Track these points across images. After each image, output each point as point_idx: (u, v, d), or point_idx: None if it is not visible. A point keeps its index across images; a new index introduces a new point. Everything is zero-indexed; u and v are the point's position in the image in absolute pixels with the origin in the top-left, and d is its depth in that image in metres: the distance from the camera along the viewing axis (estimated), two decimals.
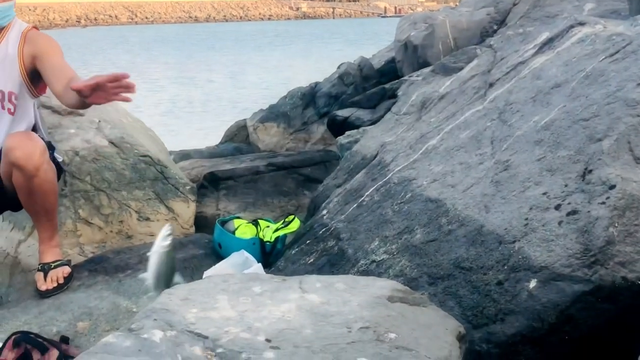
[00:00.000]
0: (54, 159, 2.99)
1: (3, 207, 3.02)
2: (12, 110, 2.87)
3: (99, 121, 4.44)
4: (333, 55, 29.76)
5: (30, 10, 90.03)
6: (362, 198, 2.96)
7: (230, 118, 10.76)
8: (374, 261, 2.50)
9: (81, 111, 4.52)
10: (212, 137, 8.70)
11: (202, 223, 4.63)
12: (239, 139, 8.12)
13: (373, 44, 36.88)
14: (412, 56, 6.77)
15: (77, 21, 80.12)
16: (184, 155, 6.75)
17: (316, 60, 28.71)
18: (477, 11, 7.11)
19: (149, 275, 2.49)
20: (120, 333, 1.55)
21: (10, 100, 2.86)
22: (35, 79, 2.88)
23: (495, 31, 6.62)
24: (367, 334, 1.63)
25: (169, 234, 2.45)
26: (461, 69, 3.65)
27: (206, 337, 1.58)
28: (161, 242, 2.48)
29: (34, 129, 2.99)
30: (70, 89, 2.51)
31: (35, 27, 2.93)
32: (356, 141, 4.08)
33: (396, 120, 3.55)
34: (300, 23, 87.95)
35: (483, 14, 6.99)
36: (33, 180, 2.73)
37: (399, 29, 7.63)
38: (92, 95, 2.31)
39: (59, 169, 3.10)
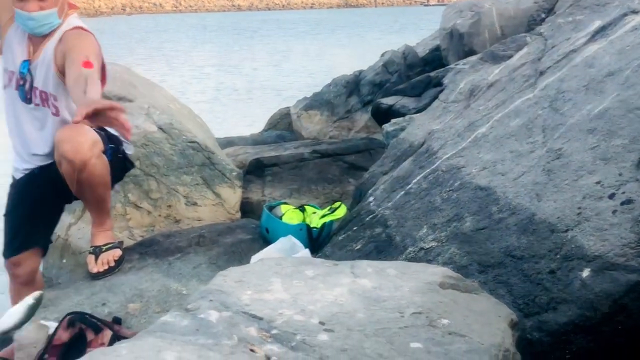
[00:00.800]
0: (120, 155, 3.04)
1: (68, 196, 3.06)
2: (55, 112, 2.91)
3: (149, 107, 4.50)
4: (375, 43, 29.62)
5: None
6: (410, 185, 2.95)
7: (274, 106, 10.81)
8: (422, 248, 2.49)
9: (130, 97, 4.59)
10: (256, 124, 8.74)
11: (247, 209, 4.67)
12: (281, 126, 8.14)
13: (415, 32, 36.63)
14: (458, 44, 6.71)
15: (122, 9, 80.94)
16: (228, 142, 6.80)
17: (358, 48, 28.61)
18: None
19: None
20: (177, 312, 1.57)
21: (52, 102, 2.90)
22: None
23: (543, 19, 6.51)
24: (419, 319, 1.64)
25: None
26: (510, 56, 3.60)
27: (261, 319, 1.59)
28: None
29: None
30: (74, 95, 2.56)
31: (81, 28, 2.89)
32: (402, 129, 4.06)
33: (444, 108, 3.53)
34: (343, 11, 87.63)
35: (530, 1, 6.88)
36: (81, 173, 2.77)
37: (444, 17, 7.56)
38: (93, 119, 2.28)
39: (125, 164, 3.15)
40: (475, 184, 2.59)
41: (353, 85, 7.43)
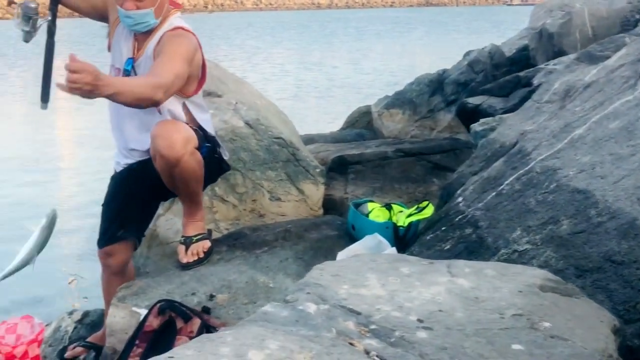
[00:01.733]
0: (216, 155, 3.08)
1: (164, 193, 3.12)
2: (158, 110, 2.94)
3: (236, 103, 4.57)
4: (456, 42, 29.29)
5: None
6: (502, 187, 2.90)
7: (354, 103, 10.82)
8: (515, 251, 2.45)
9: (219, 92, 4.67)
10: (336, 122, 8.77)
11: (330, 205, 4.69)
12: (360, 124, 8.13)
13: (497, 32, 36.04)
14: (547, 44, 6.57)
15: (204, 6, 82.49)
16: (309, 139, 6.84)
17: (439, 47, 28.34)
18: None
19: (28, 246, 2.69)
20: (277, 303, 1.60)
21: None
22: None
23: (637, 20, 6.32)
24: (520, 321, 1.61)
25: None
26: (608, 57, 3.50)
27: (359, 313, 1.60)
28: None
29: None
30: None
31: (181, 28, 2.92)
32: (492, 129, 4.00)
33: (537, 109, 3.46)
34: (423, 10, 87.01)
35: (624, 2, 6.69)
36: (174, 168, 2.81)
37: (533, 17, 7.44)
38: None
39: (221, 165, 3.19)
40: (573, 187, 2.53)
41: (436, 84, 7.36)
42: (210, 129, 3.12)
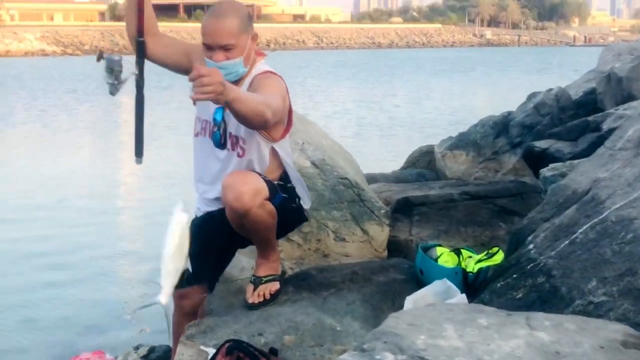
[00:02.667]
0: (294, 205, 3.10)
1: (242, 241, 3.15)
2: (241, 154, 2.98)
3: (303, 143, 4.61)
4: (518, 83, 29.09)
5: None
6: (575, 235, 2.84)
7: (415, 142, 10.80)
8: (591, 302, 2.39)
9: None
10: (397, 160, 8.76)
11: (394, 247, 4.66)
12: (421, 164, 8.09)
13: (559, 73, 35.68)
14: (616, 88, 6.46)
15: (267, 45, 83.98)
16: (371, 178, 6.83)
17: (501, 87, 28.17)
18: None
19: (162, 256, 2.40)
20: (355, 352, 1.58)
21: (240, 145, 2.97)
22: None
23: None
24: None
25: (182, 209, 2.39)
26: None
27: None
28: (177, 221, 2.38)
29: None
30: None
31: (272, 72, 2.98)
32: (562, 175, 3.94)
33: (610, 156, 3.39)
34: (484, 50, 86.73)
35: None
36: (243, 219, 2.85)
37: (601, 60, 7.34)
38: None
39: (299, 216, 3.22)
40: None
41: (501, 126, 7.28)
42: (293, 176, 3.14)
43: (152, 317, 2.95)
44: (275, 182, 3.02)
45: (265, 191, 2.88)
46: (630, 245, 2.50)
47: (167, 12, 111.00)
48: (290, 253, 4.28)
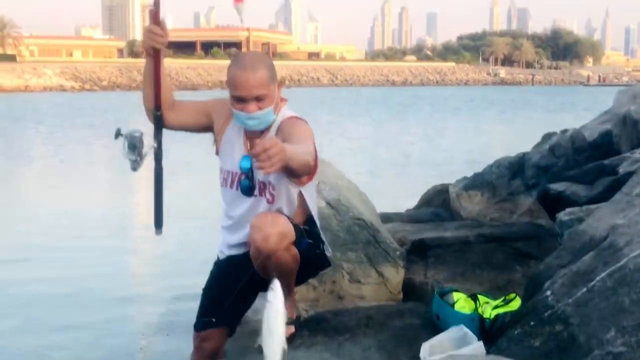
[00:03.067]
0: (318, 251, 3.12)
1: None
2: (270, 200, 2.99)
3: (319, 183, 4.61)
4: (533, 122, 29.10)
5: None
6: (593, 282, 2.81)
7: (431, 180, 10.77)
8: (610, 352, 2.36)
9: None
10: (412, 198, 8.73)
11: (409, 289, 4.62)
12: (436, 203, 8.05)
13: (574, 112, 35.71)
14: (632, 131, 6.44)
15: (282, 81, 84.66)
16: (386, 217, 6.81)
17: (515, 126, 28.19)
18: None
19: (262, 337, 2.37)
20: None
21: (269, 191, 2.98)
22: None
23: None
24: None
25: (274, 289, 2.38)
26: None
27: None
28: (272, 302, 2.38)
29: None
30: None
31: (296, 117, 3.02)
32: (579, 219, 3.91)
33: (628, 202, 3.37)
34: (498, 89, 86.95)
35: None
36: (267, 261, 2.84)
37: (616, 102, 7.33)
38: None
39: (322, 262, 3.22)
40: None
41: (517, 166, 7.26)
42: (317, 221, 3.15)
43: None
44: (302, 227, 3.02)
45: (292, 235, 2.88)
46: None
47: (184, 49, 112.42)
48: (305, 295, 4.25)
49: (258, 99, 2.84)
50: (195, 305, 3.20)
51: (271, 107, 2.91)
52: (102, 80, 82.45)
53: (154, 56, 2.93)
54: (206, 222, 9.12)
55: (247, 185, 2.94)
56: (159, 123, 3.03)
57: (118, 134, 2.95)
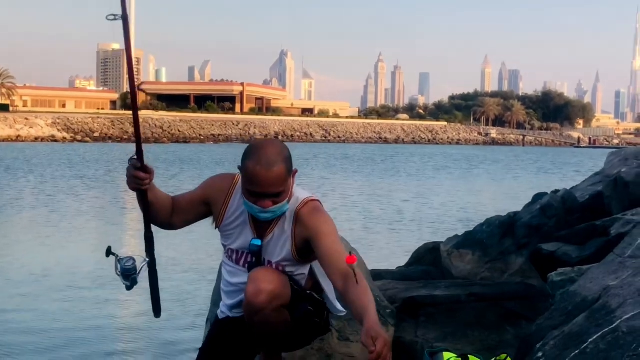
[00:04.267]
0: (317, 320, 2.99)
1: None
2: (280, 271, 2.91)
3: None
4: (523, 182, 29.28)
5: (233, 124, 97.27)
6: (585, 344, 2.78)
7: (423, 238, 10.74)
8: None
9: None
10: (403, 256, 8.71)
11: (399, 348, 4.56)
12: (426, 261, 8.02)
13: (563, 173, 35.98)
14: (623, 193, 6.48)
15: (274, 136, 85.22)
16: (376, 275, 6.77)
17: (506, 186, 28.33)
18: None
19: None
20: None
21: (283, 271, 2.89)
22: (306, 253, 2.88)
23: None
24: None
25: None
26: None
27: None
28: None
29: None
30: (348, 288, 2.55)
31: (312, 200, 2.88)
32: (571, 280, 3.89)
33: (620, 263, 3.36)
34: (490, 149, 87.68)
35: None
36: (253, 316, 2.78)
37: (608, 164, 7.39)
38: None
39: (322, 329, 3.11)
40: None
41: (507, 226, 7.25)
42: (327, 290, 3.02)
43: None
44: (308, 291, 2.95)
45: (285, 298, 2.79)
46: None
47: (178, 102, 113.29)
48: (292, 353, 4.19)
49: (275, 195, 2.72)
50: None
51: (286, 200, 2.79)
52: (94, 132, 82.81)
53: (140, 195, 2.87)
54: (198, 275, 9.10)
55: (254, 264, 2.89)
56: (150, 242, 2.96)
57: (109, 253, 2.89)
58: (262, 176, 2.67)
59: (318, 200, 2.90)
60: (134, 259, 2.89)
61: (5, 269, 9.69)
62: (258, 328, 2.82)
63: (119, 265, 2.86)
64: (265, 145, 2.77)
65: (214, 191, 2.95)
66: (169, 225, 3.01)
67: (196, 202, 2.98)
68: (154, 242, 2.98)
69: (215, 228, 3.01)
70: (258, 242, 2.84)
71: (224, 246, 3.01)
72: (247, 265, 2.91)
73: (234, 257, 2.97)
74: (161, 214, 2.96)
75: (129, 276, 2.86)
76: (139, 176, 2.79)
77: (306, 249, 2.83)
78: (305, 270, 2.96)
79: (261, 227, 2.88)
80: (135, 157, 2.81)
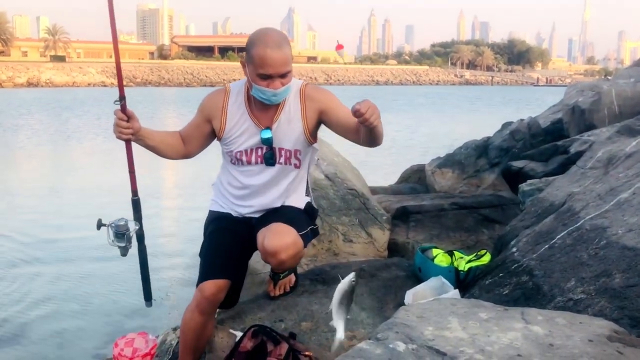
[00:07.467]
0: (314, 226, 2.84)
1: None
2: (298, 165, 2.71)
3: (318, 159, 4.49)
4: (493, 114, 28.94)
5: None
6: (554, 240, 2.70)
7: (408, 160, 10.60)
8: (571, 299, 2.25)
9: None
10: (393, 176, 8.61)
11: (393, 248, 4.53)
12: (412, 180, 7.95)
13: (526, 107, 35.50)
14: (579, 119, 6.32)
15: None
16: (372, 190, 6.69)
17: (479, 118, 28.01)
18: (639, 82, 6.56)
19: (333, 305, 2.15)
20: (371, 342, 1.45)
21: (296, 157, 2.68)
22: (315, 131, 2.68)
23: None
24: None
25: (354, 281, 2.13)
26: None
27: (444, 354, 1.44)
28: (347, 283, 2.14)
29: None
30: (357, 130, 2.39)
31: (306, 83, 2.69)
32: (539, 189, 3.80)
33: (582, 174, 3.25)
34: (464, 88, 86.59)
35: None
36: (275, 263, 2.59)
37: (566, 95, 7.21)
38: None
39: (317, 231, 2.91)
40: (622, 244, 2.32)
41: (482, 148, 7.15)
42: (310, 180, 2.87)
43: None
44: (308, 201, 2.80)
45: (302, 255, 2.67)
46: (604, 250, 2.36)
47: (204, 52, 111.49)
48: (305, 251, 4.15)
49: (283, 76, 2.49)
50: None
51: (291, 81, 2.57)
52: (137, 78, 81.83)
53: (126, 145, 2.61)
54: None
55: (270, 156, 2.64)
56: (138, 207, 2.66)
57: (100, 225, 2.57)
58: (275, 57, 2.43)
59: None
60: (126, 219, 2.60)
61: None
62: (274, 266, 2.65)
63: (110, 231, 2.56)
64: (268, 31, 2.53)
65: (211, 107, 2.69)
66: (185, 155, 2.77)
67: (201, 125, 2.72)
68: (141, 211, 2.68)
69: (220, 140, 2.73)
70: (268, 132, 2.60)
71: (230, 155, 2.71)
72: (261, 160, 2.65)
73: (244, 158, 2.67)
74: (172, 151, 2.72)
75: (122, 234, 2.56)
76: (120, 124, 2.55)
77: (316, 126, 2.64)
78: (315, 154, 2.78)
79: (265, 119, 2.63)
80: (118, 101, 2.56)
